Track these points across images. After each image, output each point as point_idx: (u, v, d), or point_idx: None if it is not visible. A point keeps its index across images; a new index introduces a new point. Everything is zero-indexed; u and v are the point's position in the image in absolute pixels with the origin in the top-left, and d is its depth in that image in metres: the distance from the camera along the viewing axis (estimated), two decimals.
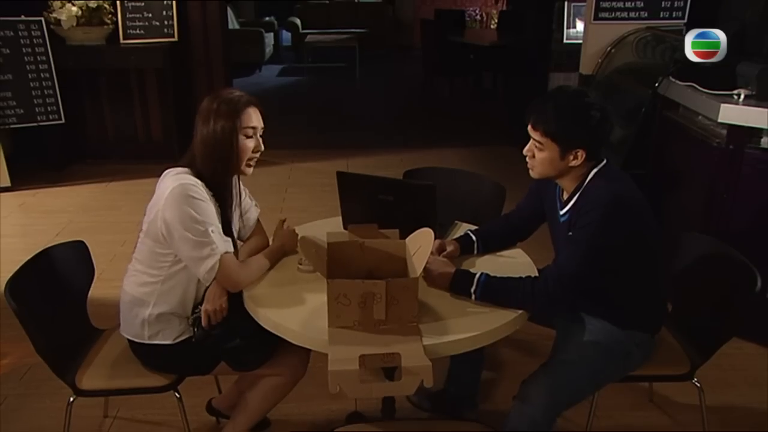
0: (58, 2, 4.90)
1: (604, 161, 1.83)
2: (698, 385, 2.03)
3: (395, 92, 8.92)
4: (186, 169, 1.85)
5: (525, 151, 1.83)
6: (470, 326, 1.66)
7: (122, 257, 1.96)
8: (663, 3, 4.18)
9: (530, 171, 1.86)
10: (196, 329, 1.86)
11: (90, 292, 2.17)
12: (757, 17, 3.11)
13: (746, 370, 2.75)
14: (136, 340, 1.91)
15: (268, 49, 10.40)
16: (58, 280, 2.03)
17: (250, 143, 1.87)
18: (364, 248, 1.75)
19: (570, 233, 1.79)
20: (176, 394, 1.96)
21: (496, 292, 1.74)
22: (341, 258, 1.72)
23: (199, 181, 1.81)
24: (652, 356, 1.98)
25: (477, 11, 9.70)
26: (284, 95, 8.61)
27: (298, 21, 11.39)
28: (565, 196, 1.88)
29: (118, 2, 5.09)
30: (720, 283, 2.04)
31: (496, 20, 9.06)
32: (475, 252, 2.05)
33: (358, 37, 10.27)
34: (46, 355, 1.84)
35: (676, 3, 4.18)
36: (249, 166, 1.91)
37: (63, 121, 4.94)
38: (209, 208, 1.80)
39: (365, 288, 1.58)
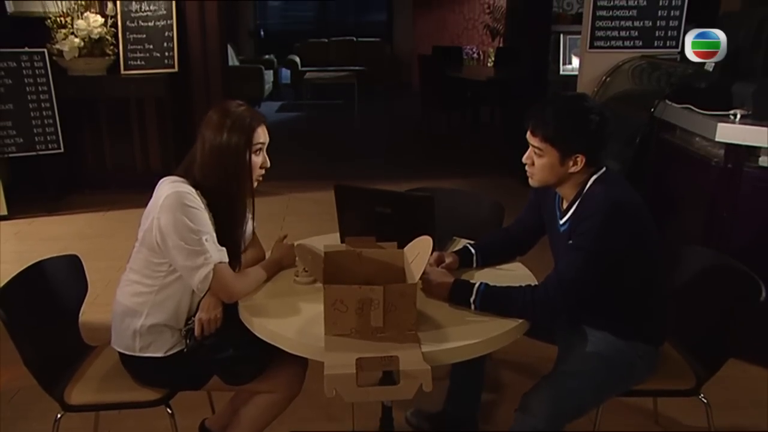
0: (61, 33, 4.96)
1: (604, 168, 1.81)
2: (705, 401, 1.98)
3: (393, 128, 8.97)
4: (182, 179, 1.84)
5: (524, 158, 1.82)
6: (469, 334, 1.62)
7: (117, 283, 1.93)
8: (657, 32, 4.25)
9: (530, 179, 1.84)
10: (188, 340, 1.82)
11: (84, 316, 2.12)
12: (750, 38, 3.15)
13: (752, 392, 2.69)
14: (127, 352, 1.86)
15: (268, 86, 10.50)
16: (49, 292, 1.99)
17: (258, 159, 1.88)
18: (362, 257, 1.72)
19: (570, 241, 1.76)
20: (168, 410, 1.90)
21: (496, 301, 1.70)
22: (338, 267, 1.69)
23: (194, 190, 1.80)
24: (656, 371, 1.93)
25: (474, 49, 9.81)
26: (283, 130, 8.64)
27: (297, 59, 11.54)
28: (565, 205, 1.86)
29: (119, 33, 5.16)
30: (722, 294, 2.01)
31: (493, 58, 9.16)
32: (474, 265, 2.03)
33: (357, 74, 10.38)
34: (34, 367, 1.79)
35: (669, 32, 4.24)
36: (257, 180, 1.92)
37: (62, 150, 4.95)
38: (204, 217, 1.79)
39: (362, 294, 1.54)
